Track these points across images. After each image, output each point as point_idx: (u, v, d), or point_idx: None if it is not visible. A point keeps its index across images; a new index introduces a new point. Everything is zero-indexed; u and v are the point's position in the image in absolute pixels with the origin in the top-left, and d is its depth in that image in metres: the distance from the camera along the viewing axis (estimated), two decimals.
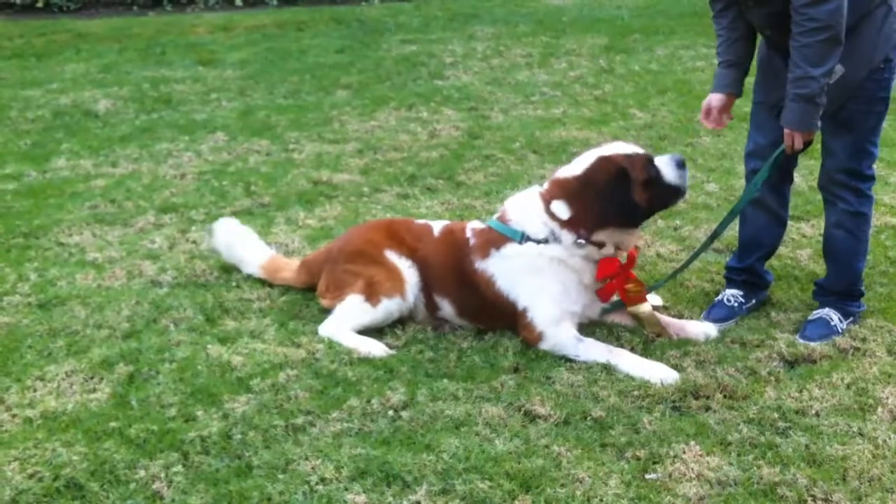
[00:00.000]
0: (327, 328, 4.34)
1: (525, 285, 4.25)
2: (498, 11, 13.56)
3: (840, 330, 4.34)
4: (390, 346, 4.27)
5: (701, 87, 9.28)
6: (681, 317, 4.56)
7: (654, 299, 4.54)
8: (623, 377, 3.95)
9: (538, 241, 4.22)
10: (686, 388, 3.83)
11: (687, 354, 4.14)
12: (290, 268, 4.89)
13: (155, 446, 3.47)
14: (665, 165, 4.26)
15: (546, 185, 4.38)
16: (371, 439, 3.52)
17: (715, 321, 4.46)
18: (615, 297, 4.40)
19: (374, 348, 4.20)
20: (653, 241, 5.45)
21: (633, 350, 4.19)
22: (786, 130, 4.11)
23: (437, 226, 4.62)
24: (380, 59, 10.71)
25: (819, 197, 6.09)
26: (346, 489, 3.21)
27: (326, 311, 4.47)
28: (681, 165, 4.28)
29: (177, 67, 10.43)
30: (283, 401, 3.78)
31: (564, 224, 4.21)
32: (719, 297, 4.64)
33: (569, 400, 3.78)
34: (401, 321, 4.48)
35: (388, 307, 4.40)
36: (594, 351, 4.10)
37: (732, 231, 4.83)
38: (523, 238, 4.24)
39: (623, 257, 4.32)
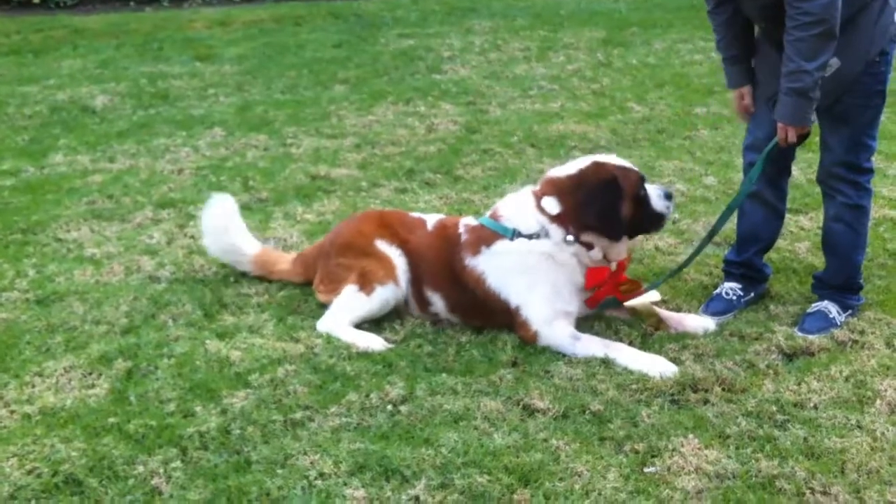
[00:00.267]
0: (325, 323, 4.34)
1: (516, 283, 4.25)
2: (495, 5, 13.54)
3: (839, 323, 4.34)
4: (389, 341, 4.26)
5: (699, 80, 9.28)
6: (679, 310, 4.56)
7: (651, 294, 4.53)
8: (621, 371, 3.95)
9: (529, 237, 4.22)
10: (684, 381, 3.83)
11: (685, 348, 4.15)
12: (285, 260, 4.88)
13: (154, 442, 3.47)
14: (654, 191, 4.32)
15: (539, 184, 4.38)
16: (370, 434, 3.52)
17: (713, 314, 4.46)
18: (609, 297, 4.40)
19: (373, 343, 4.20)
20: (651, 234, 5.44)
21: (631, 344, 4.19)
22: (779, 124, 4.11)
23: (431, 220, 4.62)
24: (377, 53, 10.70)
25: (818, 190, 6.09)
26: (345, 484, 3.21)
27: (324, 306, 4.47)
28: (668, 197, 4.34)
29: (174, 63, 10.41)
30: (281, 396, 3.78)
31: (554, 219, 4.21)
32: (718, 290, 4.64)
33: (567, 394, 3.78)
34: (399, 315, 4.48)
35: (383, 294, 4.41)
36: (591, 347, 4.10)
37: (731, 224, 4.83)
38: (514, 234, 4.24)
39: (613, 265, 4.33)
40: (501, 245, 4.26)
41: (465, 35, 11.55)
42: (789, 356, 4.10)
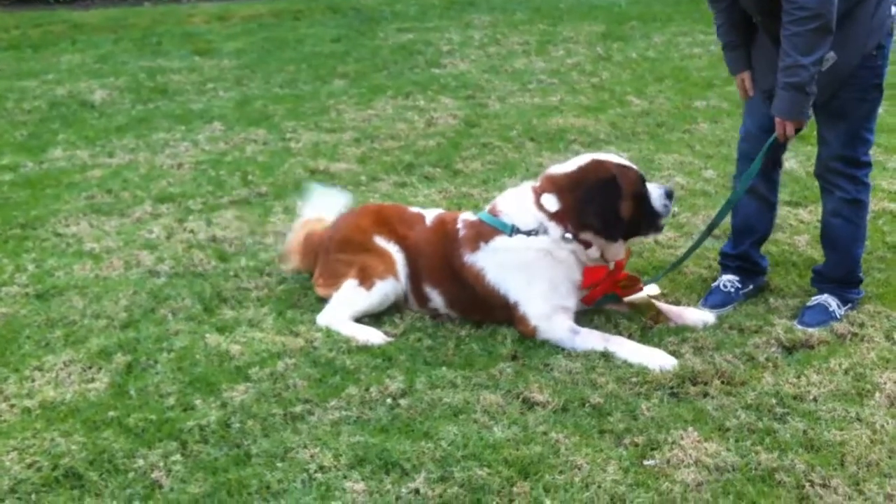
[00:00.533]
0: (325, 317, 4.34)
1: (515, 279, 4.24)
2: None
3: (838, 316, 4.34)
4: (388, 335, 4.26)
5: (698, 73, 9.28)
6: (679, 303, 4.56)
7: (651, 288, 4.54)
8: (621, 364, 3.95)
9: (528, 233, 4.22)
10: (684, 374, 3.84)
11: (685, 341, 4.15)
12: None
13: (153, 435, 3.47)
14: (655, 189, 4.30)
15: (538, 180, 4.38)
16: (369, 427, 3.52)
17: (712, 307, 4.47)
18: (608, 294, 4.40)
19: (373, 336, 4.20)
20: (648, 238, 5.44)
21: (630, 337, 4.19)
22: (777, 119, 4.11)
23: (430, 215, 4.62)
24: (376, 47, 10.69)
25: (817, 183, 6.10)
26: (345, 477, 3.21)
27: (323, 301, 4.47)
28: (669, 196, 4.33)
29: (173, 57, 10.41)
30: (281, 389, 3.78)
31: (553, 216, 4.21)
32: (716, 283, 4.65)
33: (567, 387, 3.78)
34: (398, 309, 4.48)
35: (383, 289, 4.41)
36: (591, 340, 4.10)
37: (729, 217, 4.82)
38: (513, 231, 4.24)
39: (611, 265, 4.33)
40: (500, 241, 4.26)
41: (465, 29, 11.54)
42: (789, 349, 4.10)
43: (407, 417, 3.58)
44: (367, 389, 3.76)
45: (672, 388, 3.78)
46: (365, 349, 4.10)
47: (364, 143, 7.23)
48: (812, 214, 5.59)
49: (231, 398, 3.71)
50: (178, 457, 3.34)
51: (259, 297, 4.66)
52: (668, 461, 3.29)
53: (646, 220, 4.31)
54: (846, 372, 3.87)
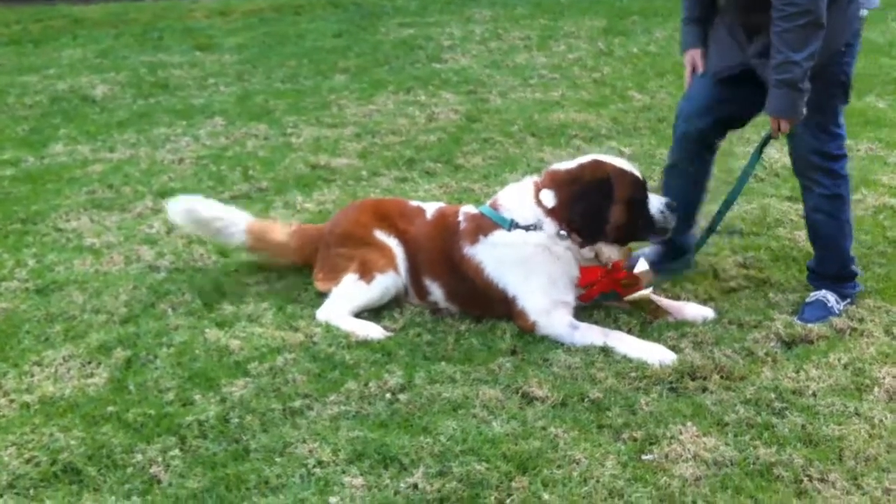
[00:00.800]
0: (325, 312, 4.34)
1: (513, 274, 4.24)
2: None
3: (837, 311, 4.34)
4: (388, 330, 4.26)
5: None
6: (677, 298, 4.56)
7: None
8: (620, 359, 3.95)
9: (526, 228, 4.21)
10: (683, 369, 3.83)
11: (684, 336, 4.14)
12: (282, 231, 4.83)
13: (152, 430, 3.47)
14: (655, 199, 4.29)
15: (541, 175, 4.39)
16: (368, 422, 3.52)
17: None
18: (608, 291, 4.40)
19: (372, 331, 4.20)
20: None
21: (630, 332, 4.19)
22: (771, 118, 4.11)
23: (431, 208, 4.62)
24: (378, 42, 10.68)
25: None
26: (344, 472, 3.21)
27: (323, 295, 4.47)
28: (671, 208, 4.29)
29: (174, 52, 10.41)
30: (280, 384, 3.78)
31: (549, 212, 4.21)
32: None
33: (566, 382, 3.78)
34: (398, 304, 4.48)
35: (384, 283, 4.41)
36: (590, 335, 4.09)
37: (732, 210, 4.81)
38: (512, 225, 4.24)
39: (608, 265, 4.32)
40: (499, 235, 4.26)
41: (466, 24, 11.53)
42: (788, 344, 4.10)
43: (406, 412, 3.58)
44: (366, 384, 3.76)
45: (671, 382, 3.77)
46: (364, 344, 4.10)
47: (365, 138, 7.23)
48: None
49: (230, 393, 3.71)
50: (176, 452, 3.35)
51: (259, 292, 4.66)
52: (667, 456, 3.29)
53: (642, 226, 4.29)
54: (845, 367, 3.87)
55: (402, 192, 6.02)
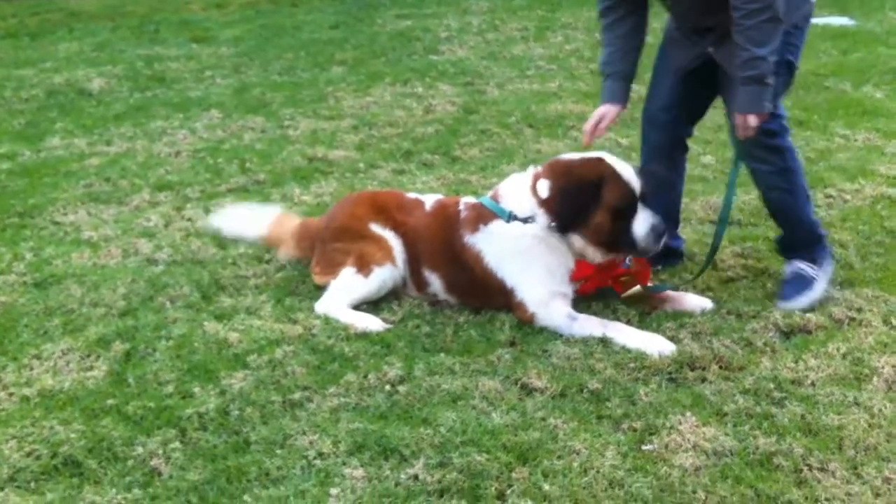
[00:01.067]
0: (324, 304, 4.34)
1: (511, 265, 4.24)
2: None
3: (815, 276, 4.37)
4: (387, 321, 4.26)
5: None
6: (675, 289, 4.55)
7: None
8: (619, 349, 3.95)
9: (524, 220, 4.21)
10: (682, 359, 3.83)
11: (683, 326, 4.15)
12: (294, 219, 4.95)
13: (152, 423, 3.47)
14: (643, 218, 4.15)
15: (542, 166, 4.37)
16: (368, 414, 3.52)
17: None
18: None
19: (371, 323, 4.20)
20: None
21: (629, 322, 4.19)
22: (737, 115, 4.12)
23: (430, 199, 4.61)
24: (374, 34, 10.67)
25: (815, 168, 6.12)
26: (344, 463, 3.21)
27: (321, 289, 4.46)
28: (657, 233, 4.15)
29: (171, 45, 10.39)
30: (280, 377, 3.78)
31: (543, 203, 4.19)
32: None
33: (565, 373, 3.78)
34: (396, 296, 4.48)
35: (382, 276, 4.41)
36: (589, 326, 4.09)
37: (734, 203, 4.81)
38: (510, 217, 4.23)
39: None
40: (497, 226, 4.26)
41: (463, 15, 11.52)
42: (787, 334, 4.10)
43: (405, 404, 3.58)
44: (365, 376, 3.76)
45: (670, 373, 3.78)
46: (363, 336, 4.10)
47: (362, 131, 7.22)
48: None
49: (230, 385, 3.71)
50: (177, 444, 3.35)
51: (257, 284, 4.66)
52: (667, 446, 3.29)
53: (622, 240, 4.16)
54: (844, 356, 3.87)
55: (400, 184, 6.01)
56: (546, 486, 3.07)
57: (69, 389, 3.73)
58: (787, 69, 4.26)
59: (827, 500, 3.03)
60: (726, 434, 3.35)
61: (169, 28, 11.23)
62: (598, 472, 3.15)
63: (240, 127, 7.38)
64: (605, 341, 4.00)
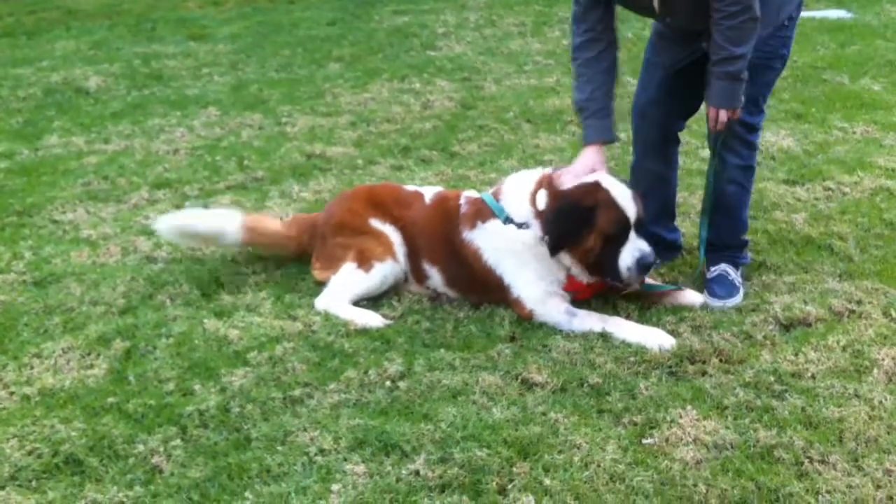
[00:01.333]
0: (323, 301, 4.34)
1: (508, 263, 4.24)
2: None
3: (738, 283, 4.40)
4: (387, 318, 4.26)
5: None
6: (675, 283, 4.56)
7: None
8: (619, 344, 3.95)
9: (518, 225, 4.19)
10: (682, 353, 3.84)
11: (683, 320, 4.15)
12: (276, 223, 4.84)
13: (153, 421, 3.48)
14: (631, 250, 4.07)
15: (551, 171, 4.30)
16: (369, 410, 3.52)
17: None
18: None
19: (371, 320, 4.20)
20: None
21: (628, 317, 4.19)
22: (710, 108, 4.15)
23: (429, 193, 4.61)
24: (372, 30, 10.66)
25: (814, 161, 6.13)
26: (345, 459, 3.21)
27: (321, 284, 4.46)
28: (642, 264, 4.06)
29: (168, 43, 10.38)
30: (280, 373, 3.78)
31: (538, 214, 4.17)
32: None
33: (565, 367, 3.78)
34: (396, 292, 4.48)
35: (382, 271, 4.41)
36: (588, 322, 4.09)
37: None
38: (506, 220, 4.22)
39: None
40: (495, 224, 4.25)
41: (460, 11, 11.50)
42: (786, 327, 4.10)
43: (406, 400, 3.58)
44: (365, 372, 3.76)
45: (670, 367, 3.78)
46: (363, 332, 4.10)
47: (360, 127, 7.22)
48: (809, 192, 5.59)
49: (230, 383, 3.72)
50: (178, 442, 3.35)
51: (257, 281, 4.66)
52: (667, 440, 3.30)
53: (606, 265, 4.10)
54: (844, 349, 3.87)
55: (398, 179, 6.00)
56: (547, 481, 3.07)
57: (70, 388, 3.73)
58: (781, 62, 4.29)
59: (828, 492, 3.03)
60: (727, 427, 3.36)
61: (166, 26, 11.22)
62: (598, 466, 3.15)
63: (238, 124, 7.37)
64: (605, 336, 4.01)
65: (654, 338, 3.94)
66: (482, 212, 4.30)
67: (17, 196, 5.94)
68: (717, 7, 3.91)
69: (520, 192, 4.28)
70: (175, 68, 9.27)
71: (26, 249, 5.10)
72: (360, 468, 3.16)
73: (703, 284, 4.48)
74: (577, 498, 3.01)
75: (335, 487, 3.07)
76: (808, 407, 3.47)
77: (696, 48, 4.24)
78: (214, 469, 3.20)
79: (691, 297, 4.36)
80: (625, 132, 6.65)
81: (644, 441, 3.30)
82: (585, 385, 3.65)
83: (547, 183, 4.21)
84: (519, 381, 3.70)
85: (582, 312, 4.14)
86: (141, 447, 3.32)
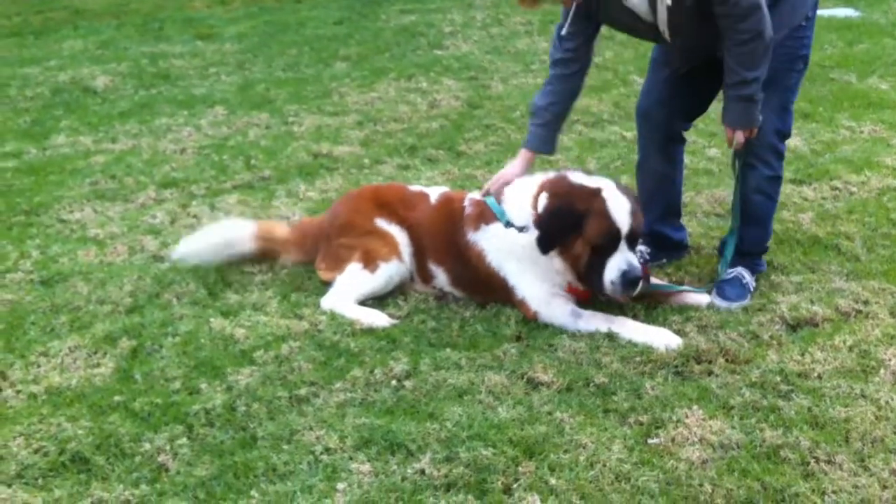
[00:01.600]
0: (329, 300, 4.35)
1: (511, 265, 4.23)
2: None
3: (751, 288, 4.38)
4: (393, 317, 4.27)
5: None
6: (682, 283, 4.55)
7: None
8: (625, 343, 3.94)
9: (519, 229, 4.18)
10: (688, 352, 3.83)
11: (689, 320, 4.14)
12: (283, 229, 4.85)
13: (159, 419, 3.48)
14: (618, 263, 3.99)
15: (553, 175, 4.28)
16: (375, 409, 3.53)
17: None
18: None
19: (377, 319, 4.20)
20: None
21: (634, 317, 4.19)
22: (727, 128, 4.16)
23: (435, 193, 4.61)
24: (378, 29, 10.66)
25: (821, 160, 6.12)
26: (351, 458, 3.22)
27: (327, 284, 4.47)
28: (627, 279, 3.97)
29: (175, 42, 10.40)
30: (286, 372, 3.79)
31: (537, 217, 4.15)
32: None
33: (571, 367, 3.78)
34: (402, 292, 4.49)
35: (388, 271, 4.42)
36: (594, 322, 4.08)
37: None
38: (507, 224, 4.21)
39: None
40: (497, 227, 4.24)
41: (467, 10, 11.50)
42: (793, 327, 4.09)
43: (412, 399, 3.59)
44: (371, 371, 3.77)
45: (676, 366, 3.77)
46: (369, 332, 4.11)
47: (367, 126, 7.22)
48: (816, 192, 5.58)
49: (236, 382, 3.72)
50: (184, 440, 3.36)
51: (263, 280, 4.67)
52: (673, 439, 3.29)
53: (591, 277, 4.06)
54: (851, 349, 3.86)
55: (405, 179, 6.01)
56: (552, 480, 3.07)
57: (76, 386, 3.74)
58: (803, 63, 4.26)
59: (834, 492, 3.02)
60: (733, 427, 3.35)
61: (173, 25, 11.24)
62: (604, 465, 3.15)
63: (244, 123, 7.38)
64: (611, 335, 4.00)
65: (660, 338, 3.94)
66: (485, 214, 4.30)
67: (24, 195, 5.96)
68: (729, 35, 3.91)
69: (521, 196, 4.27)
70: (182, 68, 9.28)
71: (34, 248, 5.12)
72: (366, 467, 3.16)
73: (709, 281, 4.48)
74: (582, 497, 3.01)
75: (341, 486, 3.08)
76: (815, 407, 3.46)
77: (707, 55, 4.22)
78: (220, 467, 3.20)
79: (697, 296, 4.35)
80: (630, 131, 6.66)
81: (650, 441, 3.30)
82: (591, 385, 3.65)
83: (549, 187, 4.19)
84: (525, 380, 3.70)
85: (587, 313, 4.14)
86: (147, 446, 3.33)
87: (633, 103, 7.52)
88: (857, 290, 4.35)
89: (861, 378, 3.67)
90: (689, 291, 4.37)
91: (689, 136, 6.71)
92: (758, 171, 4.34)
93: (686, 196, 5.59)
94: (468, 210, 4.37)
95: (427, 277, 4.48)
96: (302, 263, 4.78)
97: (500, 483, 3.07)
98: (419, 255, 4.47)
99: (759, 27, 3.86)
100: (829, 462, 3.17)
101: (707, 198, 5.56)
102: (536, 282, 4.19)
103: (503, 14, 11.14)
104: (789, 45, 4.16)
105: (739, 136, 4.15)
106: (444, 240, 4.39)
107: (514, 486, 3.07)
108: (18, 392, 3.72)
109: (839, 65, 8.50)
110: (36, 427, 3.44)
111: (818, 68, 8.32)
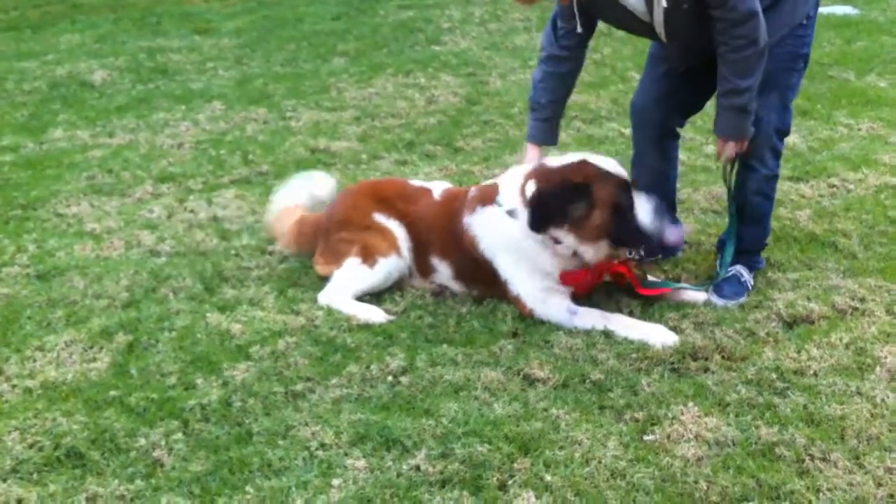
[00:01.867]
0: (326, 295, 4.34)
1: (504, 259, 4.21)
2: None
3: (750, 286, 4.38)
4: (389, 313, 4.26)
5: None
6: (678, 280, 4.55)
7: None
8: (621, 340, 3.94)
9: (508, 213, 4.17)
10: (684, 349, 3.83)
11: (685, 317, 4.14)
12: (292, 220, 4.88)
13: (155, 414, 3.48)
14: (642, 201, 4.05)
15: (536, 166, 4.28)
16: (370, 405, 3.53)
17: None
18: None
19: (373, 315, 4.20)
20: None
21: (630, 314, 4.19)
22: (719, 139, 4.15)
23: (438, 188, 4.59)
24: (377, 25, 10.65)
25: (819, 157, 6.11)
26: (346, 454, 3.22)
27: (325, 279, 4.47)
28: (659, 212, 4.06)
29: (173, 37, 10.38)
30: (282, 368, 3.79)
31: (527, 203, 4.13)
32: None
33: (567, 363, 3.78)
34: (399, 287, 4.48)
35: (387, 267, 4.41)
36: (590, 319, 4.07)
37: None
38: (498, 204, 4.21)
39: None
40: (492, 210, 4.22)
41: (465, 6, 11.48)
42: (789, 324, 4.09)
43: (408, 395, 3.59)
44: (367, 367, 3.77)
45: (672, 363, 3.77)
46: (366, 327, 4.10)
47: (365, 122, 7.21)
48: (813, 189, 5.58)
49: (232, 377, 3.72)
50: (179, 435, 3.36)
51: (260, 275, 4.66)
52: (669, 436, 3.29)
53: (629, 233, 4.07)
54: (847, 346, 3.86)
55: (402, 175, 6.00)
56: (548, 477, 3.07)
57: (72, 381, 3.74)
58: (803, 62, 4.25)
59: (829, 489, 3.02)
60: (728, 424, 3.35)
61: (171, 20, 11.22)
62: (599, 462, 3.15)
63: (242, 118, 7.37)
64: (607, 332, 4.00)
65: (656, 334, 3.93)
66: (486, 196, 4.27)
67: (21, 189, 5.95)
68: (723, 41, 3.89)
69: (512, 181, 4.25)
70: (180, 62, 9.27)
71: (30, 242, 5.11)
72: (361, 463, 3.16)
73: (706, 278, 4.48)
74: (577, 494, 3.01)
75: (336, 482, 3.08)
76: (810, 404, 3.46)
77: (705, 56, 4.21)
78: (216, 463, 3.20)
79: (694, 293, 4.35)
80: (628, 128, 6.66)
81: (645, 438, 3.30)
82: (587, 381, 3.65)
83: (533, 175, 4.18)
84: (521, 376, 3.70)
85: (583, 310, 4.13)
86: (142, 441, 3.33)
87: (630, 100, 7.54)
88: (853, 288, 4.35)
89: (857, 375, 3.67)
90: (687, 289, 4.38)
91: (686, 133, 6.72)
92: (756, 172, 4.33)
93: (683, 193, 5.60)
94: (472, 193, 4.36)
95: (426, 272, 4.47)
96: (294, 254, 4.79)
97: (495, 479, 3.07)
98: (418, 249, 4.46)
99: (755, 34, 3.84)
100: (824, 459, 3.17)
101: (704, 194, 5.55)
102: (530, 277, 4.17)
103: (501, 10, 11.13)
104: (790, 44, 4.15)
105: (730, 149, 4.14)
106: (449, 234, 4.36)
107: (510, 482, 3.07)
108: (14, 386, 3.72)
109: (837, 62, 8.50)
110: (31, 421, 3.44)
111: (816, 66, 8.31)
